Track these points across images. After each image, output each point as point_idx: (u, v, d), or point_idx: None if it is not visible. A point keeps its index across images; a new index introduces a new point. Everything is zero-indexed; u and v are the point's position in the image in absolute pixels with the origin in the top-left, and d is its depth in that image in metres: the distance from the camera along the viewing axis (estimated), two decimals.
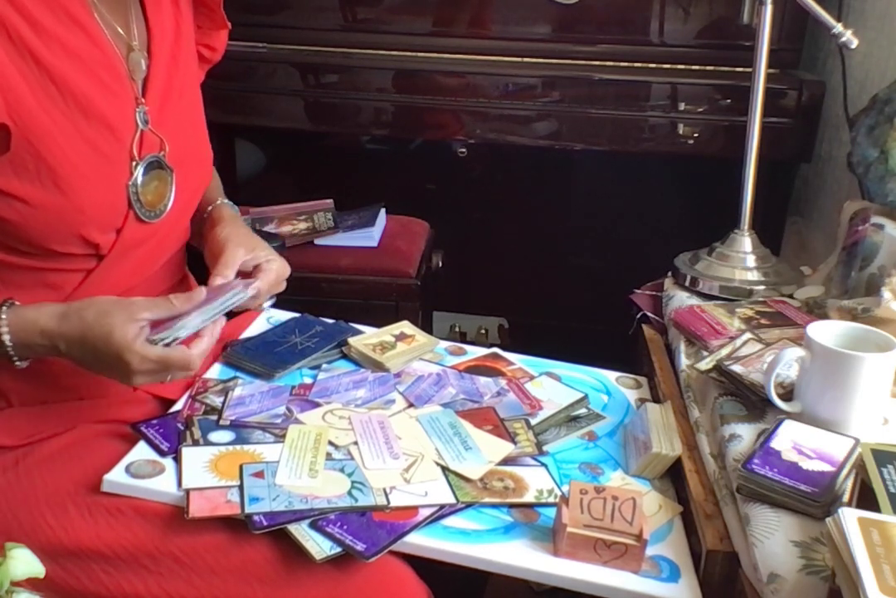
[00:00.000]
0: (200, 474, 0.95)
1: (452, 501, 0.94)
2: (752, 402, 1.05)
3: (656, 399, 1.21)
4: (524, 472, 1.01)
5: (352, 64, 1.92)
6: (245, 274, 1.10)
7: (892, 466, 0.81)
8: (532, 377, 1.22)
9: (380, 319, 1.35)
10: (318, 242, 1.79)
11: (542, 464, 1.03)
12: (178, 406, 1.09)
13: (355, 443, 1.03)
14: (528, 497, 0.96)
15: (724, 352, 1.16)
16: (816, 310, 1.27)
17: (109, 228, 1.00)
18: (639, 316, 1.47)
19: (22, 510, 0.95)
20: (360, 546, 0.87)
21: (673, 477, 1.04)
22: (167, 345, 0.93)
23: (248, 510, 0.90)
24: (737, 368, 1.09)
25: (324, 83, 1.95)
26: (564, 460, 1.05)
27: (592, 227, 2.34)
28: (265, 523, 0.88)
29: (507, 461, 1.02)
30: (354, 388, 1.15)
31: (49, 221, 0.95)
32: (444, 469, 1.00)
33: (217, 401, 1.09)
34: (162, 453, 0.99)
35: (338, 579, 0.88)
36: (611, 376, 1.27)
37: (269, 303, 1.18)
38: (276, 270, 1.11)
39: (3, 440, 1.01)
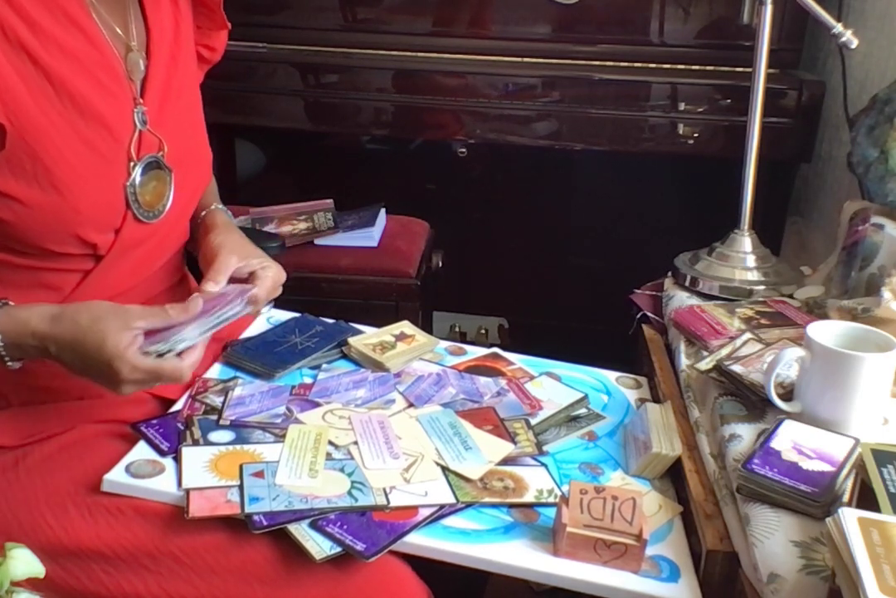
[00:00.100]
0: (200, 473, 0.95)
1: (452, 501, 0.94)
2: (752, 402, 1.05)
3: (656, 399, 1.21)
4: (524, 472, 1.01)
5: (352, 64, 1.92)
6: (239, 281, 1.09)
7: (892, 466, 0.81)
8: (532, 377, 1.22)
9: (380, 319, 1.35)
10: (318, 242, 1.79)
11: (542, 464, 1.03)
12: (178, 406, 1.09)
13: (355, 443, 1.03)
14: (528, 497, 0.96)
15: (724, 352, 1.16)
16: (816, 310, 1.27)
17: (107, 228, 1.00)
18: (639, 316, 1.47)
19: (22, 510, 0.95)
20: (360, 546, 0.87)
21: (673, 477, 1.04)
22: (160, 356, 0.92)
23: (248, 509, 0.90)
24: (737, 368, 1.09)
25: (324, 83, 1.95)
26: (564, 460, 1.05)
27: (592, 227, 2.34)
28: (265, 522, 0.88)
29: (507, 461, 1.02)
30: (354, 388, 1.15)
31: (46, 221, 0.95)
32: (444, 469, 1.00)
33: (217, 401, 1.09)
34: (162, 453, 0.99)
35: (338, 579, 0.88)
36: (611, 376, 1.27)
37: (267, 308, 1.18)
38: (271, 277, 1.10)
39: (2, 440, 1.01)
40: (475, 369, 1.24)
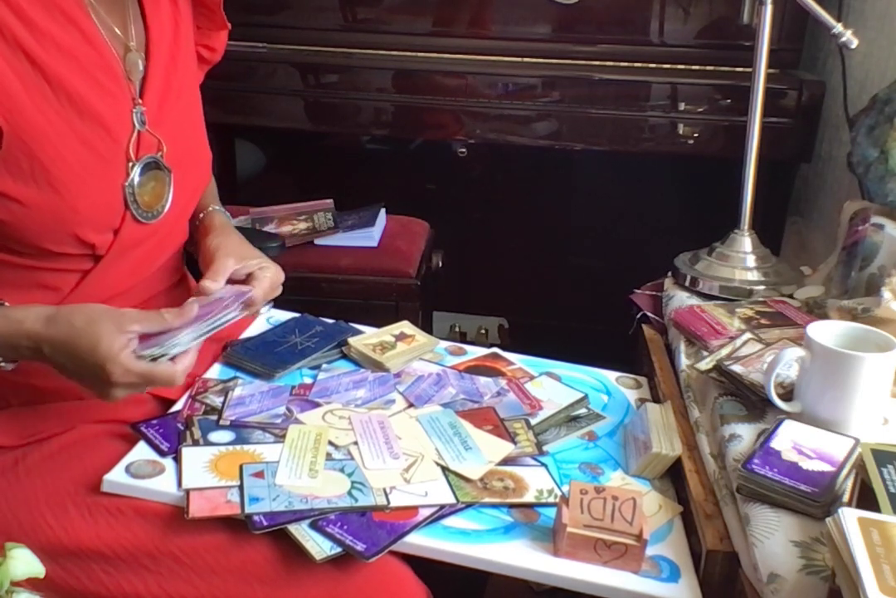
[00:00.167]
0: (200, 474, 0.95)
1: (452, 501, 0.94)
2: (752, 402, 1.05)
3: (656, 399, 1.21)
4: (524, 472, 1.01)
5: (352, 64, 1.92)
6: (237, 282, 1.09)
7: (892, 466, 0.81)
8: (532, 377, 1.22)
9: (380, 319, 1.35)
10: (318, 242, 1.79)
11: (542, 464, 1.03)
12: (178, 406, 1.09)
13: (355, 443, 1.03)
14: (528, 497, 0.96)
15: (724, 352, 1.16)
16: (816, 310, 1.27)
17: (105, 228, 1.00)
18: (639, 316, 1.47)
19: (22, 510, 0.95)
20: (360, 546, 0.87)
21: (673, 477, 1.04)
22: (154, 360, 0.91)
23: (248, 510, 0.90)
24: (737, 368, 1.09)
25: (324, 83, 1.95)
26: (564, 460, 1.05)
27: (592, 227, 2.34)
28: (265, 523, 0.88)
29: (507, 461, 1.02)
30: (354, 388, 1.15)
31: (43, 221, 0.95)
32: (444, 469, 1.00)
33: (217, 401, 1.09)
34: (162, 453, 0.99)
35: (338, 579, 0.88)
36: (611, 376, 1.27)
37: (267, 308, 1.18)
38: (269, 278, 1.11)
39: (2, 440, 1.01)
40: (475, 369, 1.24)
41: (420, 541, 0.89)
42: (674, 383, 1.22)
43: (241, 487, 0.93)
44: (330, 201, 1.89)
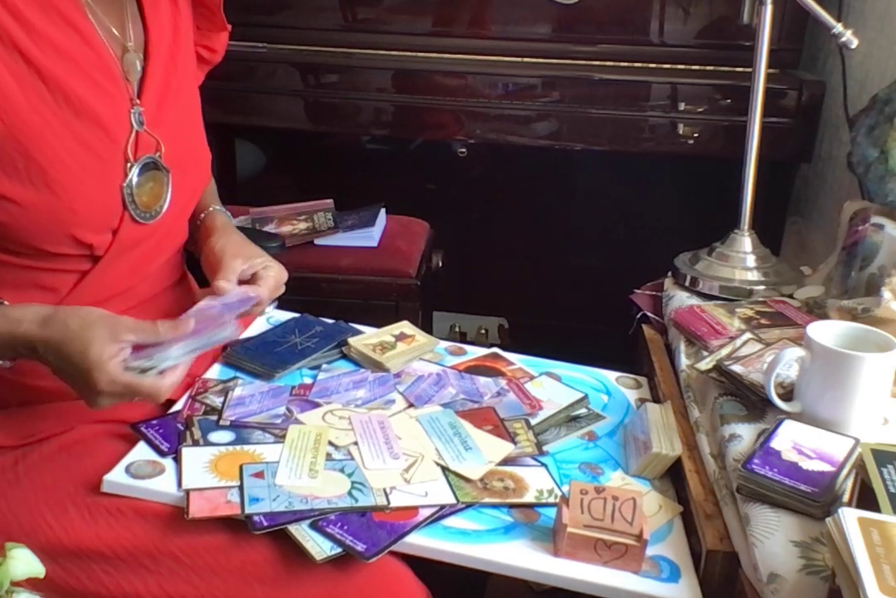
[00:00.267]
0: (200, 474, 0.95)
1: (452, 501, 0.94)
2: (752, 402, 1.05)
3: (656, 399, 1.21)
4: (524, 472, 1.01)
5: (352, 64, 1.92)
6: (244, 282, 1.10)
7: (892, 466, 0.81)
8: (532, 377, 1.22)
9: (380, 319, 1.35)
10: (318, 242, 1.79)
11: (542, 464, 1.03)
12: (178, 406, 1.09)
13: (355, 443, 1.03)
14: (528, 497, 0.96)
15: (724, 352, 1.16)
16: (816, 310, 1.27)
17: (103, 228, 1.00)
18: (639, 316, 1.47)
19: (22, 510, 0.95)
20: (360, 547, 0.87)
21: (673, 477, 1.04)
22: (144, 372, 0.90)
23: (248, 510, 0.90)
24: (737, 368, 1.09)
25: (324, 83, 1.95)
26: (564, 460, 1.05)
27: (592, 227, 2.34)
28: (265, 523, 0.88)
29: (507, 461, 1.02)
30: (354, 388, 1.15)
31: (40, 221, 0.95)
32: (444, 469, 1.00)
33: (217, 401, 1.09)
34: (162, 454, 0.99)
35: (338, 579, 0.88)
36: (611, 376, 1.27)
37: (272, 307, 1.19)
38: (274, 277, 1.12)
39: (2, 440, 1.01)
40: (475, 369, 1.24)
41: (420, 541, 0.89)
42: (674, 383, 1.22)
43: (241, 487, 0.93)
44: (330, 201, 1.89)
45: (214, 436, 1.03)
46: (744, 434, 0.99)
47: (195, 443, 1.01)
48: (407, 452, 1.02)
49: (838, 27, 1.34)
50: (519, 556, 0.89)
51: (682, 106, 1.82)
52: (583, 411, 1.15)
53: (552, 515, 0.92)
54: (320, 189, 1.94)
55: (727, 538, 0.89)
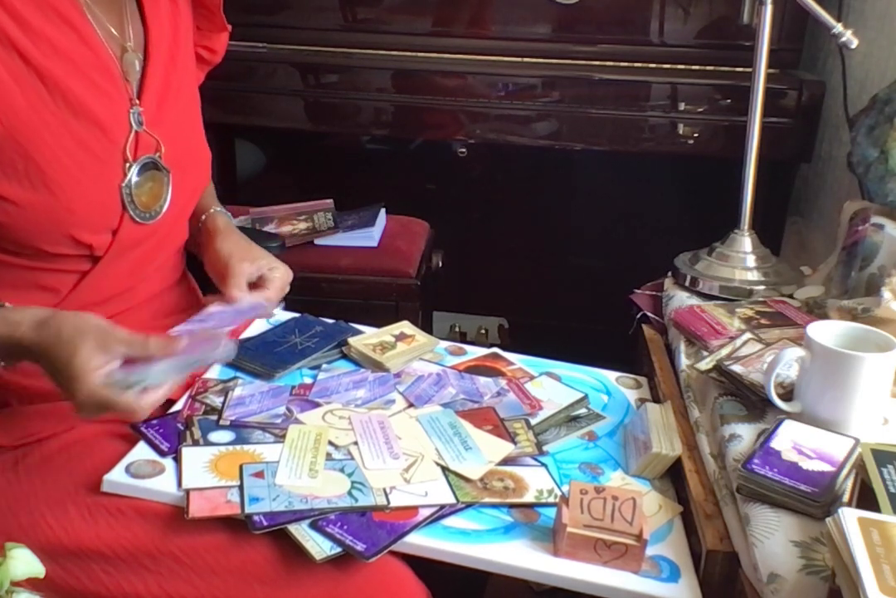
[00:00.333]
0: (200, 474, 0.95)
1: (452, 501, 0.94)
2: (752, 402, 1.05)
3: (656, 399, 1.21)
4: (524, 472, 1.01)
5: (352, 64, 1.92)
6: (250, 284, 1.12)
7: (892, 466, 0.81)
8: (532, 377, 1.22)
9: (380, 319, 1.35)
10: (318, 242, 1.79)
11: (542, 464, 1.03)
12: (178, 406, 1.09)
13: (355, 443, 1.03)
14: (528, 497, 0.96)
15: (724, 352, 1.16)
16: (816, 310, 1.27)
17: (102, 229, 1.00)
18: (639, 316, 1.47)
19: (22, 510, 0.95)
20: (360, 546, 0.87)
21: (673, 477, 1.04)
22: (129, 387, 0.88)
23: (248, 510, 0.90)
24: (737, 368, 1.09)
25: (324, 83, 1.95)
26: (564, 460, 1.05)
27: (592, 227, 2.34)
28: (265, 523, 0.88)
29: (507, 461, 1.02)
30: (354, 388, 1.15)
31: (39, 222, 0.95)
32: (444, 469, 1.00)
33: (217, 401, 1.09)
34: (162, 454, 0.99)
35: (338, 579, 0.88)
36: (611, 376, 1.27)
37: (280, 308, 1.20)
38: (280, 278, 1.14)
39: (2, 440, 1.01)
40: (475, 369, 1.24)
41: (420, 541, 0.89)
42: (674, 383, 1.22)
43: (241, 487, 0.93)
44: (330, 201, 1.89)
45: (214, 436, 1.03)
46: (744, 434, 0.99)
47: (195, 443, 1.01)
48: (407, 452, 1.02)
49: (838, 27, 1.34)
50: (519, 556, 0.89)
51: (682, 106, 1.82)
52: (583, 411, 1.15)
53: (552, 515, 0.92)
54: (320, 189, 1.94)
55: (727, 538, 0.89)
